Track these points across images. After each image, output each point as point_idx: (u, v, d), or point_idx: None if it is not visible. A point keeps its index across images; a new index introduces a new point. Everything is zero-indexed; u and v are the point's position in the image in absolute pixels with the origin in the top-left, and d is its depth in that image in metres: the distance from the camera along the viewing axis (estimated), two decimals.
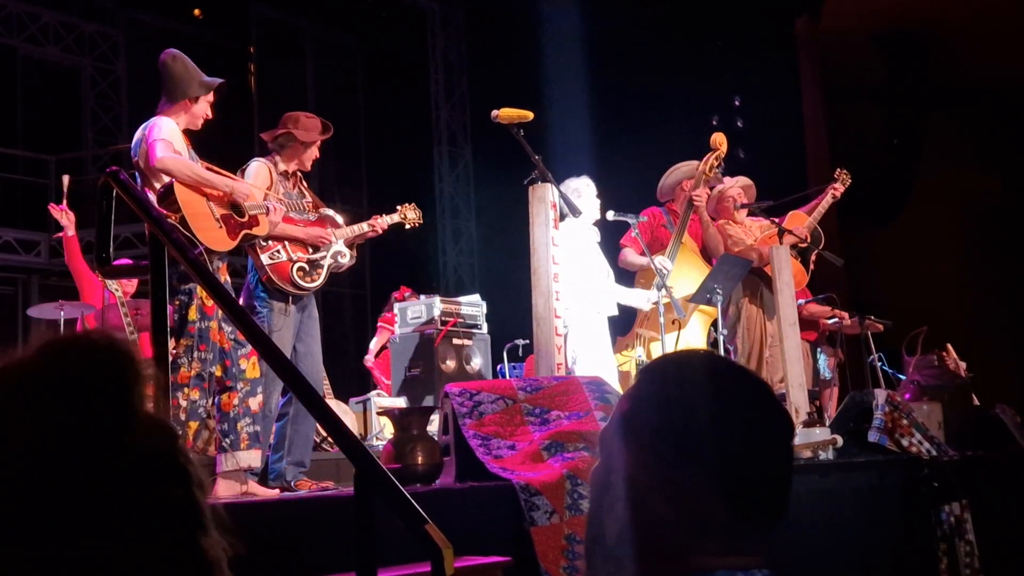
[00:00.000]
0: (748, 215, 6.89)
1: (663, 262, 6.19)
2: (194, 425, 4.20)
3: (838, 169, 7.08)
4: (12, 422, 0.74)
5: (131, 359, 0.79)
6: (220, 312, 4.29)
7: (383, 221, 5.22)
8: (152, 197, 4.31)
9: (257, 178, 4.76)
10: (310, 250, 4.85)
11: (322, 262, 4.86)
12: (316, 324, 4.99)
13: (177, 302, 4.25)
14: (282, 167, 4.91)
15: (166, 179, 4.30)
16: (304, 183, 5.02)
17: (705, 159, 6.54)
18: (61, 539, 0.71)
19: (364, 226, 5.11)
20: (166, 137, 4.29)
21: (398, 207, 5.45)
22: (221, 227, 4.40)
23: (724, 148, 6.60)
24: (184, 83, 4.48)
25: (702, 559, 1.05)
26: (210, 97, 4.59)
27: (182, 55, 4.55)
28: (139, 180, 4.40)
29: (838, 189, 6.99)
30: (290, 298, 4.78)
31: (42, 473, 0.72)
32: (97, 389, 0.76)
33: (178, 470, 0.78)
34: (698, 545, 1.06)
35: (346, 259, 4.96)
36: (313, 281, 4.81)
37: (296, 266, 4.76)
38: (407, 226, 5.47)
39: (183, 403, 4.18)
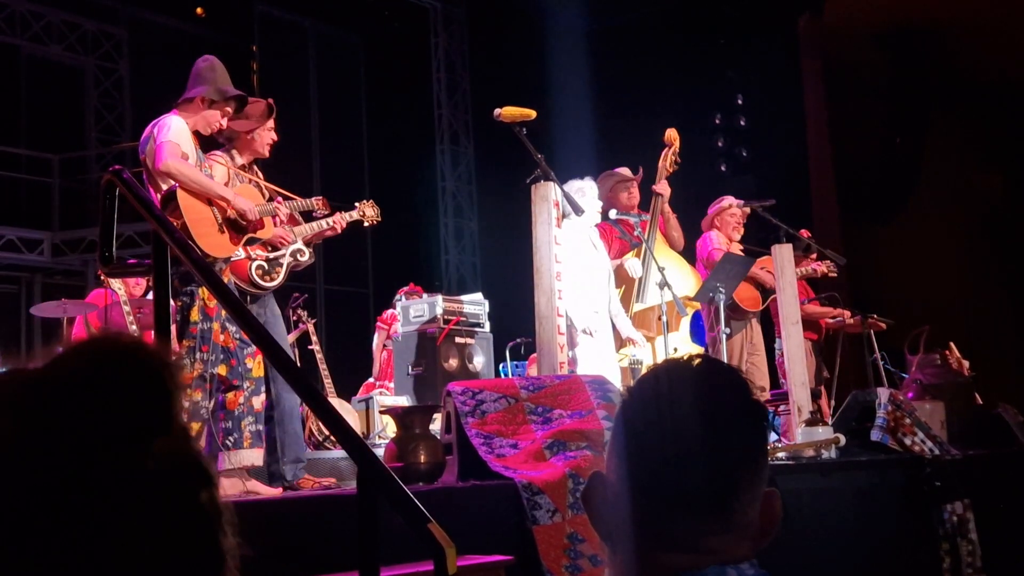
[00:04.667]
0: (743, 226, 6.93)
1: (633, 265, 6.24)
2: (196, 426, 4.18)
3: (830, 263, 7.08)
4: (53, 419, 0.75)
5: (172, 365, 0.81)
6: (223, 313, 4.28)
7: (343, 218, 5.04)
8: (156, 197, 4.31)
9: (215, 175, 4.65)
10: (269, 248, 4.72)
11: (281, 260, 4.71)
12: (280, 322, 4.85)
13: (179, 303, 4.25)
14: (239, 160, 4.78)
15: (170, 180, 4.29)
16: (260, 175, 4.88)
17: (663, 155, 6.64)
18: (91, 536, 0.73)
19: (324, 223, 4.93)
20: (173, 139, 4.26)
21: (356, 204, 5.28)
22: (223, 232, 4.38)
23: (677, 143, 6.72)
24: (205, 81, 4.46)
25: (668, 558, 1.10)
26: (228, 108, 4.55)
27: (216, 62, 4.52)
28: (146, 178, 4.38)
29: (817, 269, 7.07)
30: (248, 297, 4.65)
31: (79, 470, 0.73)
32: (141, 391, 0.78)
33: (202, 472, 0.80)
34: (657, 545, 1.10)
35: (305, 257, 4.80)
36: (272, 280, 4.66)
37: (255, 264, 4.62)
38: (366, 223, 5.28)
39: (185, 404, 4.13)
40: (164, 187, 4.30)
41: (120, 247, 3.23)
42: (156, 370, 0.79)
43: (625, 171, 6.68)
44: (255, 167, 4.90)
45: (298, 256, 4.78)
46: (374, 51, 13.70)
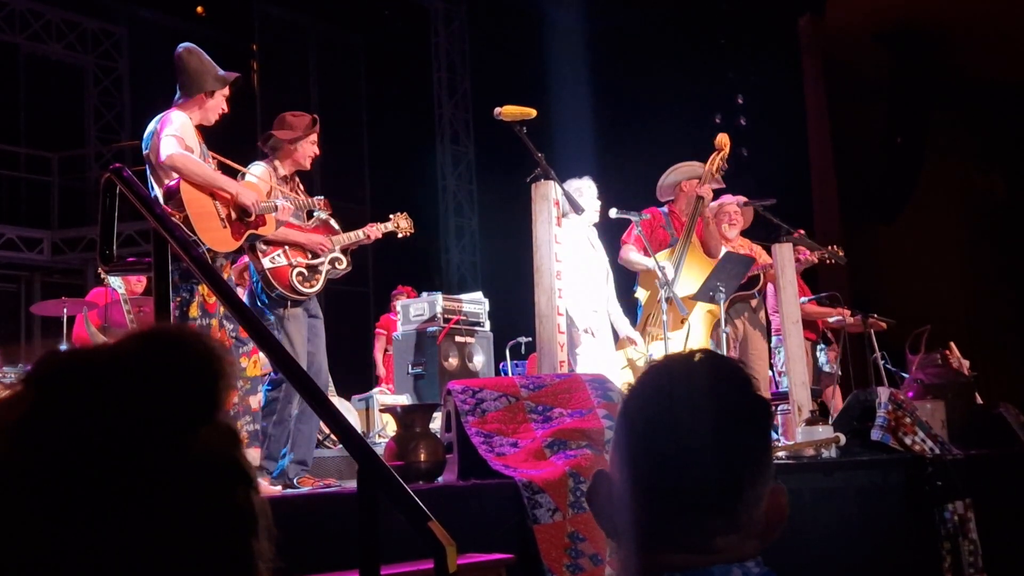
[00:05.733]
0: (740, 231, 6.88)
1: (664, 263, 6.19)
2: None
3: (837, 249, 6.98)
4: (103, 400, 0.75)
5: (225, 359, 0.80)
6: (221, 310, 4.30)
7: (377, 229, 5.21)
8: (159, 191, 4.32)
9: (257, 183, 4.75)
10: (309, 255, 4.85)
11: (321, 268, 4.86)
12: (321, 325, 4.99)
13: (178, 299, 4.26)
14: (281, 171, 4.88)
15: (174, 175, 4.30)
16: (301, 187, 5.00)
17: (711, 159, 6.54)
18: (126, 523, 0.72)
19: (360, 233, 5.10)
20: (176, 133, 4.29)
21: (391, 216, 5.44)
22: (226, 227, 4.40)
23: (728, 148, 6.61)
24: (199, 77, 4.47)
25: (672, 557, 1.09)
26: (225, 91, 4.57)
27: (197, 49, 4.53)
28: (149, 173, 4.40)
29: (805, 257, 6.98)
30: (289, 302, 4.76)
31: (120, 454, 0.73)
32: (193, 381, 0.78)
33: (241, 473, 0.79)
34: (662, 544, 1.09)
35: (343, 266, 4.97)
36: (312, 287, 4.80)
37: (295, 271, 4.75)
38: (400, 235, 5.45)
39: None
40: (168, 181, 4.30)
41: (120, 245, 3.22)
42: (206, 360, 0.79)
43: (702, 165, 6.61)
44: (297, 179, 4.95)
45: (336, 264, 4.93)
46: (375, 50, 13.70)
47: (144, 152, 4.42)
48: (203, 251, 4.20)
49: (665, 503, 1.09)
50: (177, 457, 0.75)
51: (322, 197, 5.03)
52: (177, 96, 4.50)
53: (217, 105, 4.54)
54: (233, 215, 4.46)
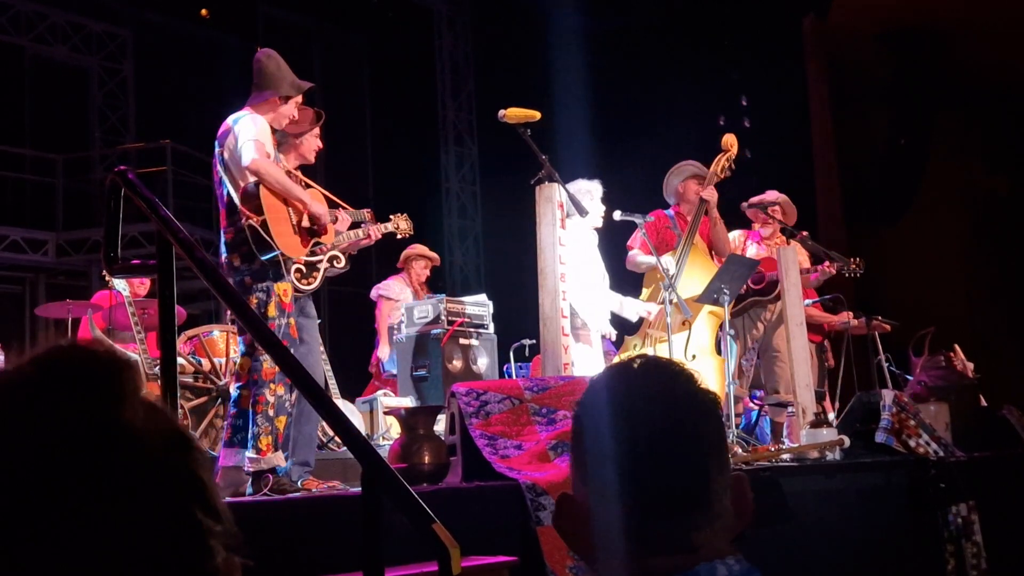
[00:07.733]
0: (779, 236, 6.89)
1: (668, 264, 6.18)
2: (284, 419, 4.32)
3: (856, 260, 6.95)
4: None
5: (118, 371, 0.75)
6: (295, 307, 4.46)
7: (377, 230, 5.20)
8: (233, 191, 4.40)
9: None
10: (308, 253, 4.85)
11: (319, 265, 4.81)
12: (315, 324, 4.95)
13: (255, 300, 4.30)
14: (285, 165, 4.86)
15: (251, 177, 4.37)
16: (303, 181, 5.00)
17: (716, 160, 6.53)
18: (29, 561, 0.67)
19: (360, 232, 5.08)
20: (259, 138, 4.36)
21: (391, 216, 5.44)
22: (296, 234, 4.50)
23: (735, 149, 6.60)
24: (276, 80, 4.54)
25: (657, 561, 1.10)
26: (299, 99, 4.65)
27: (276, 54, 4.62)
28: (221, 170, 4.46)
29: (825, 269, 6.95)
30: None
31: (9, 487, 0.69)
32: (76, 402, 0.72)
33: (187, 484, 0.74)
34: (646, 550, 1.11)
35: (341, 264, 4.92)
36: (310, 284, 4.74)
37: (294, 267, 4.74)
38: (399, 236, 5.45)
39: (270, 399, 4.29)
40: (242, 182, 4.38)
41: (125, 247, 3.23)
42: (95, 375, 0.74)
43: (700, 166, 6.62)
44: (300, 172, 4.97)
45: (335, 263, 4.90)
46: (378, 52, 13.71)
47: (218, 148, 4.48)
48: (277, 256, 4.33)
49: (644, 508, 1.11)
50: (79, 480, 0.69)
51: (368, 209, 5.08)
52: (252, 96, 4.57)
53: (289, 112, 4.62)
54: (304, 224, 4.54)
